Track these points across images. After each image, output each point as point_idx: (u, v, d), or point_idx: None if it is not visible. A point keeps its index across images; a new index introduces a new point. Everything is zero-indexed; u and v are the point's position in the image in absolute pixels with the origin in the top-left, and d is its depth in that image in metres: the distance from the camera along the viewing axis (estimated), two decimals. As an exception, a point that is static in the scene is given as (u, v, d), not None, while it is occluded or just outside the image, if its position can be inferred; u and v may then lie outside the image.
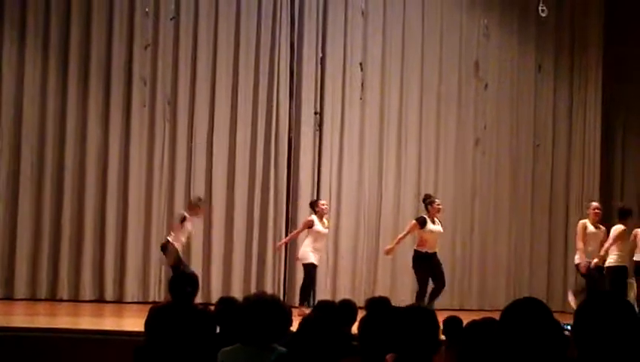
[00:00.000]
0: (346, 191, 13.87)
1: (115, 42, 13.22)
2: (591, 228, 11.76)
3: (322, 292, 12.80)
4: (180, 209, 12.76)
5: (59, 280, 12.84)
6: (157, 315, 5.85)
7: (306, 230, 12.09)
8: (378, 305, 5.89)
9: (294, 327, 4.29)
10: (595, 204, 12.10)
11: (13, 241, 12.76)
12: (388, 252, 12.06)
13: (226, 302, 6.06)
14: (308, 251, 11.94)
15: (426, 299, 11.46)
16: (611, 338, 2.76)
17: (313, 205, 12.35)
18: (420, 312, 3.77)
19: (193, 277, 6.21)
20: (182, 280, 6.12)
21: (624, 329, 2.77)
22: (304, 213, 13.23)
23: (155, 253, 12.90)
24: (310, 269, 11.96)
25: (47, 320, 10.62)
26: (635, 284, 12.16)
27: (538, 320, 3.05)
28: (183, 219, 11.51)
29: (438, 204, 11.85)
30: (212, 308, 6.22)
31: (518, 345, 3.02)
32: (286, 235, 13.46)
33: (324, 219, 12.17)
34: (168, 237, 11.47)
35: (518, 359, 3.01)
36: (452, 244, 13.95)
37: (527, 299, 3.18)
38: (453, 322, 6.12)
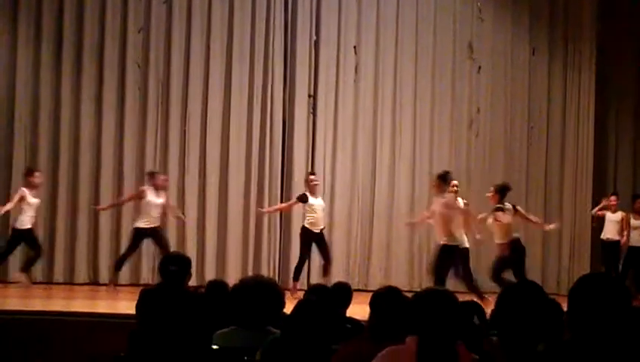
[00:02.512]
0: (340, 174, 13.86)
1: (109, 26, 13.18)
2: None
3: (316, 275, 12.80)
4: (172, 191, 12.79)
5: (54, 262, 12.86)
6: (147, 297, 5.84)
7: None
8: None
9: (288, 310, 4.30)
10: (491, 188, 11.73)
11: (7, 225, 12.74)
12: None
13: (215, 285, 6.05)
14: None
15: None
16: (604, 319, 2.76)
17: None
18: (443, 296, 3.68)
19: (183, 259, 6.18)
20: (167, 260, 6.09)
21: (617, 311, 2.78)
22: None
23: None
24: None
25: (42, 302, 10.62)
26: None
27: (534, 302, 3.05)
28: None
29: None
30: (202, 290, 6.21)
31: (515, 327, 3.02)
32: (280, 218, 13.52)
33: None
34: None
35: (514, 341, 3.02)
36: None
37: (522, 281, 3.18)
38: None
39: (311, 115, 13.82)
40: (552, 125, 14.62)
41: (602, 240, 13.15)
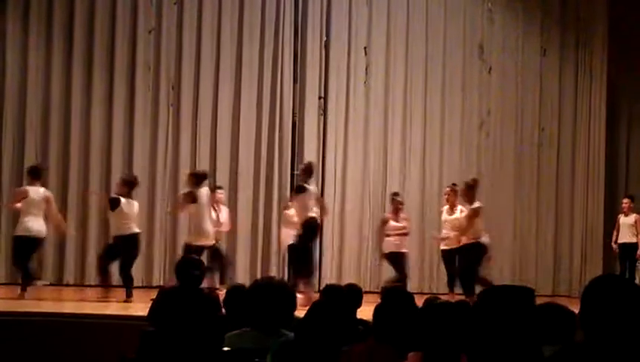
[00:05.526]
0: (350, 175, 13.86)
1: (119, 27, 13.21)
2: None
3: (328, 277, 12.80)
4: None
5: (64, 264, 12.88)
6: (166, 297, 5.92)
7: None
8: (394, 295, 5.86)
9: (300, 312, 4.29)
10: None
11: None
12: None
13: (234, 288, 6.10)
14: None
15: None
16: (618, 321, 2.74)
17: None
18: (450, 307, 3.67)
19: (202, 264, 6.29)
20: (188, 264, 6.17)
21: (631, 312, 2.75)
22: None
23: (158, 236, 13.00)
24: None
25: (53, 304, 10.61)
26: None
27: (513, 306, 3.01)
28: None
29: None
30: (218, 292, 6.27)
31: (497, 331, 2.99)
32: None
33: None
34: None
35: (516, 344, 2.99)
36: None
37: (507, 286, 3.15)
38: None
39: (321, 117, 13.82)
40: (563, 126, 14.58)
41: (619, 243, 13.04)
